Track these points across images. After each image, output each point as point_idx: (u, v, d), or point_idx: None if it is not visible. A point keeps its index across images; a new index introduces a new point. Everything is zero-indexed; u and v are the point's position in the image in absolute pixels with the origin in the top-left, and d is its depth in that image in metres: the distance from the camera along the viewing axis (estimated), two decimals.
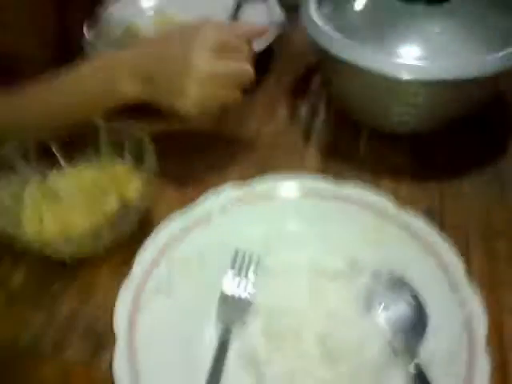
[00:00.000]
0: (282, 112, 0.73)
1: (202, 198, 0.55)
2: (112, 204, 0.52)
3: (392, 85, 0.56)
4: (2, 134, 0.55)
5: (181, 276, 0.49)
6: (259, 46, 0.72)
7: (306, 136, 0.68)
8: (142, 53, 0.57)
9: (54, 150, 0.56)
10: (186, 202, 0.58)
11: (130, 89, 0.55)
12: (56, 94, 0.57)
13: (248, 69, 0.55)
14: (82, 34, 0.74)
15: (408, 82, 0.55)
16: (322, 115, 0.71)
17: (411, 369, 0.42)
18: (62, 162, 0.57)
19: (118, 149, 0.57)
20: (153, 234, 0.50)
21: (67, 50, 0.72)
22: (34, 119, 0.58)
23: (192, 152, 0.65)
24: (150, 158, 0.53)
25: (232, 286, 0.49)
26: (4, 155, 0.53)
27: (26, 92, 0.56)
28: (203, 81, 0.52)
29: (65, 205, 0.53)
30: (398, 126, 0.62)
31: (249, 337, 0.45)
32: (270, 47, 0.75)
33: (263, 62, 0.79)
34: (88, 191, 0.54)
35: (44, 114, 0.57)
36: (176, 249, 0.50)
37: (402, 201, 0.55)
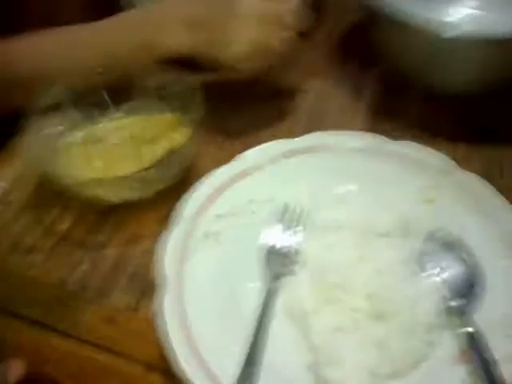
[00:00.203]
0: (330, 70, 0.70)
1: (250, 150, 0.53)
2: (158, 151, 0.52)
3: (444, 42, 0.53)
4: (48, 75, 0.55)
5: (228, 225, 0.48)
6: None
7: (355, 95, 0.66)
8: (187, 2, 0.55)
9: (103, 96, 0.56)
10: (232, 154, 0.57)
11: (174, 40, 0.53)
12: (98, 44, 0.56)
13: (297, 12, 0.53)
14: None
15: (461, 39, 0.52)
16: (373, 73, 0.69)
17: (466, 330, 0.41)
18: (110, 108, 0.56)
19: (165, 97, 0.56)
20: (199, 183, 0.49)
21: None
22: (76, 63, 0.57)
23: (239, 106, 0.64)
24: (198, 108, 0.52)
25: (280, 236, 0.48)
26: (54, 99, 0.53)
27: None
28: (251, 22, 0.51)
29: (112, 150, 0.53)
30: (450, 86, 0.60)
31: (296, 288, 0.44)
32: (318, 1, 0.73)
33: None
34: (135, 138, 0.54)
35: (85, 64, 0.56)
36: (223, 199, 0.49)
37: (458, 163, 0.52)
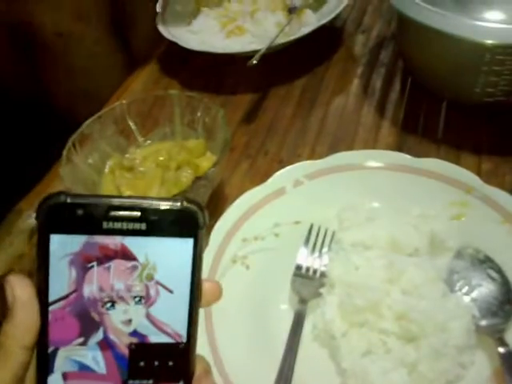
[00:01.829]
0: (355, 85, 0.71)
1: (276, 173, 0.54)
2: (186, 177, 0.53)
3: (477, 51, 0.53)
4: None
5: (254, 250, 0.49)
6: (329, 16, 0.71)
7: (380, 110, 0.66)
8: None
9: (131, 126, 0.57)
10: (258, 176, 0.58)
11: None
12: None
13: None
14: None
15: (493, 47, 0.52)
16: (396, 87, 0.69)
17: (499, 350, 0.40)
18: (139, 137, 0.58)
19: (192, 123, 0.57)
20: (228, 208, 0.50)
21: None
22: None
23: (265, 127, 0.65)
24: (224, 132, 0.53)
25: (307, 259, 0.48)
26: (86, 133, 0.55)
27: None
28: None
29: (139, 179, 0.54)
30: (481, 97, 0.59)
31: (324, 310, 0.44)
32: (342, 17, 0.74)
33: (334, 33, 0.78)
34: (163, 165, 0.55)
35: None
36: (249, 223, 0.50)
37: (485, 176, 0.52)
